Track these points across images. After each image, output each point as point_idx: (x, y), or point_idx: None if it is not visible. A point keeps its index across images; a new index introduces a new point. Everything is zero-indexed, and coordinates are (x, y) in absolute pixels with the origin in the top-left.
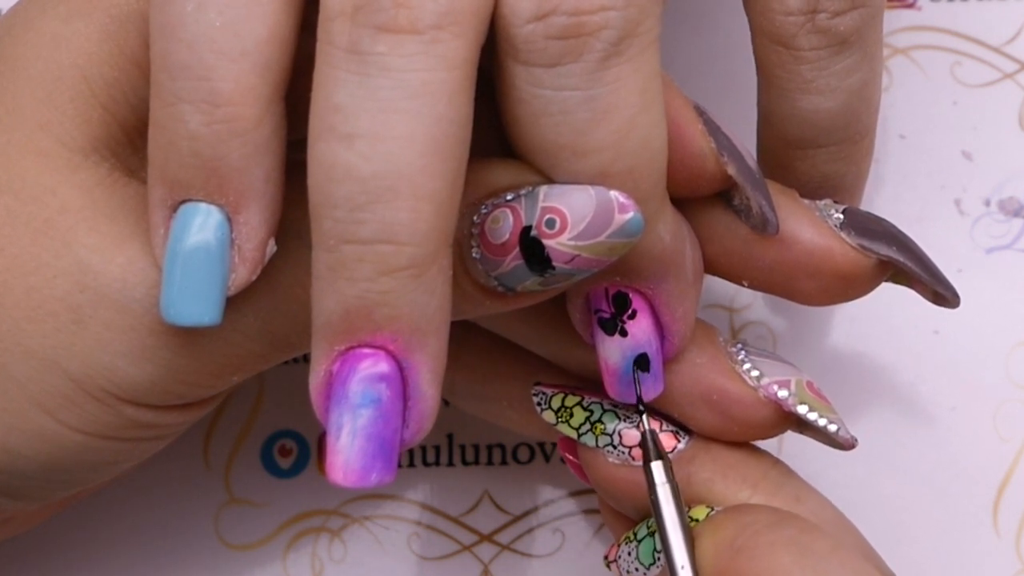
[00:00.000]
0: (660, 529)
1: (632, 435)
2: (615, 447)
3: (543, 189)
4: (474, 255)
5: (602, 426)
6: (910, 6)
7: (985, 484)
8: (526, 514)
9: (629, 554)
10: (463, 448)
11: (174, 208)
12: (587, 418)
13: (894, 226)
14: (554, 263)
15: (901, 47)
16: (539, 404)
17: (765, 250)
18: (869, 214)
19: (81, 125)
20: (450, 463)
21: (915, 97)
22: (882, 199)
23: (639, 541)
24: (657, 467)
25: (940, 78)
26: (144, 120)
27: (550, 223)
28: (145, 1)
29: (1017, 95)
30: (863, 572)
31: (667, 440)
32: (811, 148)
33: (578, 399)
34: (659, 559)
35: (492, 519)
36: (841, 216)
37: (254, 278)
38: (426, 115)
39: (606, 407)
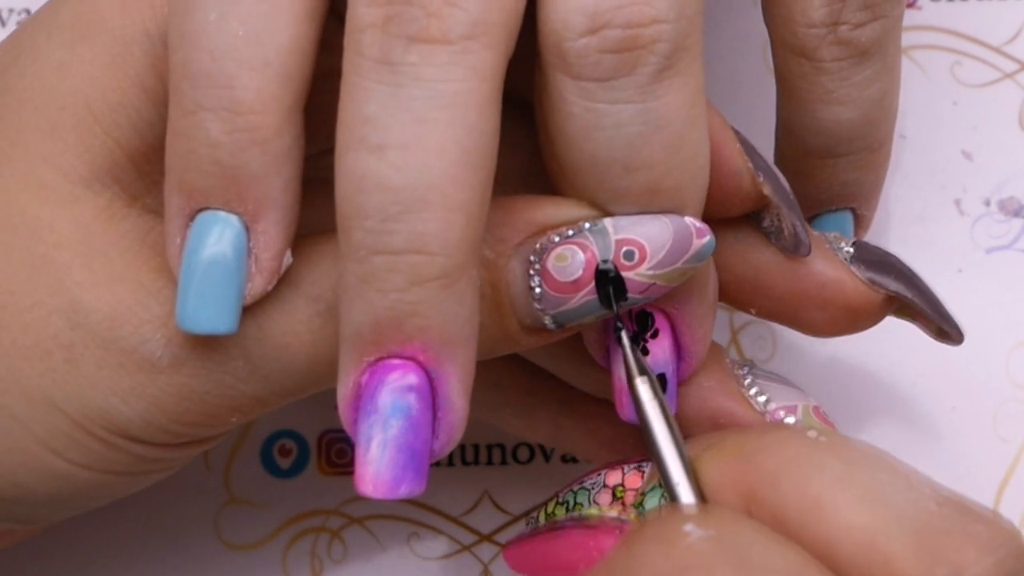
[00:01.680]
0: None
1: (606, 496)
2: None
3: (609, 222)
4: (535, 294)
5: (581, 507)
6: (910, 6)
7: (985, 484)
8: (526, 514)
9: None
10: (463, 448)
11: (191, 216)
12: (566, 508)
13: (901, 261)
14: (628, 294)
15: (902, 47)
16: (529, 526)
17: (776, 280)
18: (878, 248)
19: (83, 154)
20: (450, 463)
21: (915, 97)
22: (882, 199)
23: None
24: (642, 383)
25: (940, 78)
26: (149, 144)
27: (629, 255)
28: (152, 21)
29: (1017, 95)
30: (879, 453)
31: (635, 479)
32: (831, 157)
33: (554, 499)
34: None
35: (492, 519)
36: (851, 250)
37: (270, 288)
38: (458, 125)
39: (575, 488)
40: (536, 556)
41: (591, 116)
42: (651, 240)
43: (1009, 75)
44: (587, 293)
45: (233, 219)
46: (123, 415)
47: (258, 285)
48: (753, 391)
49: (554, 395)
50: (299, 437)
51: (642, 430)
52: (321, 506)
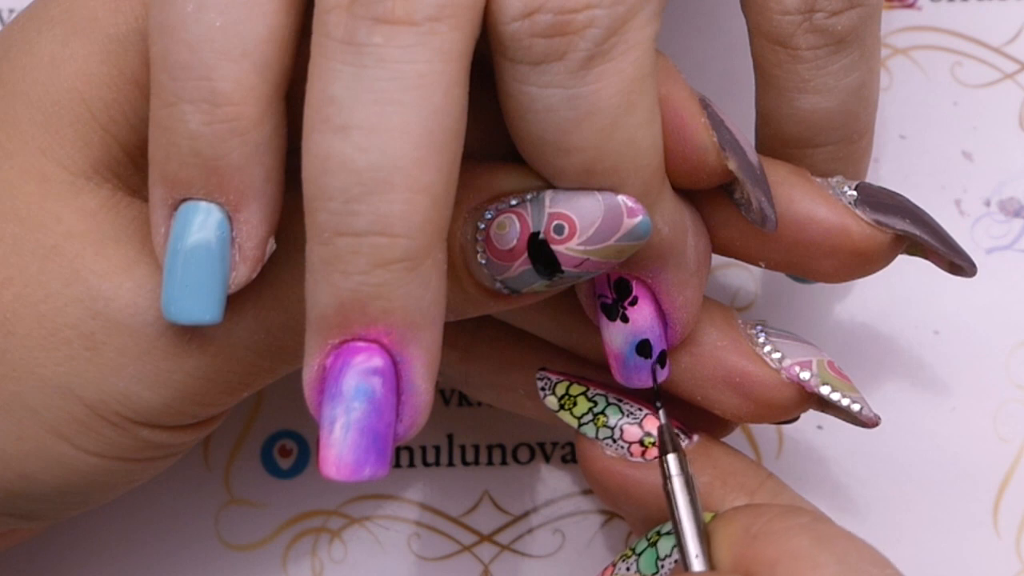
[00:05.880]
0: (673, 519)
1: (633, 432)
2: (614, 441)
3: (548, 194)
4: (480, 260)
5: (604, 419)
6: (910, 6)
7: (985, 484)
8: (526, 514)
9: (628, 569)
10: (463, 448)
11: (175, 207)
12: (590, 409)
13: (907, 199)
14: (563, 267)
15: (901, 47)
16: (543, 389)
17: (781, 232)
18: (882, 188)
19: (82, 148)
20: (450, 463)
21: (915, 97)
22: None
23: (639, 555)
24: (673, 459)
25: (940, 78)
26: (144, 140)
27: (559, 229)
28: (144, 20)
29: (1017, 95)
30: (876, 557)
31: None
32: (809, 148)
33: (583, 389)
34: (661, 567)
35: (492, 519)
36: (854, 193)
37: (254, 276)
38: (422, 107)
39: (611, 400)
40: None
41: (524, 98)
42: (581, 216)
43: (1009, 75)
44: (523, 262)
45: (215, 209)
46: (146, 401)
47: (242, 274)
48: (767, 349)
49: (567, 370)
50: (299, 437)
51: (666, 500)
52: (321, 506)
